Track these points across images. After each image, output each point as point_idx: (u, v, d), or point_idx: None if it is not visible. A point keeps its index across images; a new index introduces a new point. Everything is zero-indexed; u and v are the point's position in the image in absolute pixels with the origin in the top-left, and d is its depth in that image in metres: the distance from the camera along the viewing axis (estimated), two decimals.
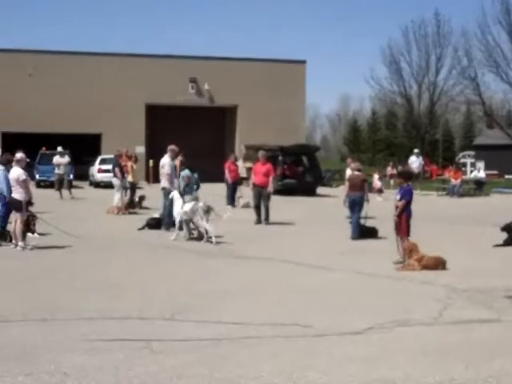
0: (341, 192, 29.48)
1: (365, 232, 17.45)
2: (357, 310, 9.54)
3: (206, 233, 16.42)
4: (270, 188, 20.63)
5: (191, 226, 17.15)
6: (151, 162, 41.36)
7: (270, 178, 20.71)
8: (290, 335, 8.16)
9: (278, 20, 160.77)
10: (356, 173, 18.30)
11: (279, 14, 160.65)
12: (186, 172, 18.56)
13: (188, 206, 16.82)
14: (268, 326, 8.53)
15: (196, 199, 17.66)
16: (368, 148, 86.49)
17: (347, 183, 18.43)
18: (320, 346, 7.74)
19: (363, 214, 17.75)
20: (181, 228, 17.12)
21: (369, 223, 17.97)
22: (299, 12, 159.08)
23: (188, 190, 18.19)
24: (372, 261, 13.86)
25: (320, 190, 35.85)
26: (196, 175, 19.00)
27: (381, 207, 21.84)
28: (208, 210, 16.60)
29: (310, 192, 34.08)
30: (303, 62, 51.08)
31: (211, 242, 16.04)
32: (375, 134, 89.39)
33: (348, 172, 20.83)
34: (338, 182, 42.13)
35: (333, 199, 30.90)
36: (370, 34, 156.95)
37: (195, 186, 18.80)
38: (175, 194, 17.55)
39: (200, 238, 16.63)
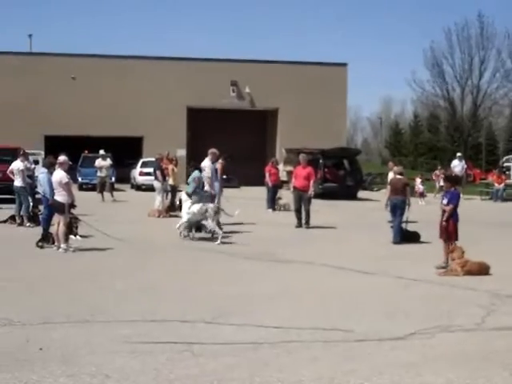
0: (382, 196, 29.29)
1: (406, 236, 17.31)
2: (398, 315, 9.45)
3: (213, 233, 17.03)
4: (311, 191, 20.56)
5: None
6: None
7: (311, 182, 20.64)
8: (331, 340, 8.11)
9: (320, 22, 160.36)
10: (398, 176, 18.15)
11: (321, 16, 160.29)
12: (196, 173, 18.72)
13: (196, 207, 17.15)
14: (308, 330, 8.50)
15: (206, 200, 17.84)
16: (410, 151, 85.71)
17: (389, 187, 18.29)
18: (361, 352, 7.68)
19: (405, 218, 17.60)
20: (190, 229, 17.62)
21: (411, 227, 17.82)
22: (341, 14, 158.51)
23: (198, 192, 18.30)
24: (414, 265, 13.74)
25: (361, 193, 35.67)
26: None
27: (423, 211, 21.66)
28: (218, 211, 17.19)
29: (350, 196, 33.93)
30: (345, 64, 50.89)
31: (218, 243, 16.52)
32: (417, 137, 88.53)
33: (390, 176, 20.65)
34: (380, 185, 41.88)
35: (374, 203, 30.74)
36: (412, 37, 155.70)
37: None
38: (183, 196, 17.94)
39: (213, 238, 17.09)
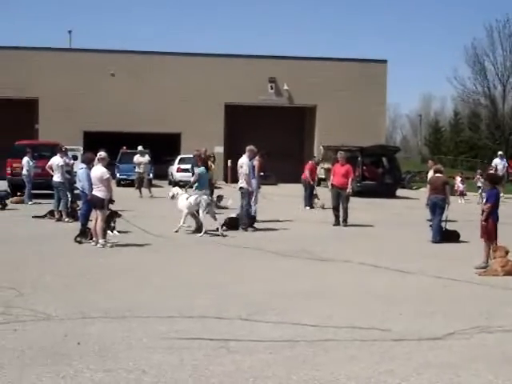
0: (421, 194, 29.07)
1: (446, 235, 17.12)
2: (436, 314, 9.35)
3: (200, 226, 17.62)
4: (349, 189, 20.45)
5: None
6: (229, 162, 41.62)
7: (350, 179, 20.52)
8: (368, 339, 8.05)
9: (359, 19, 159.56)
10: (437, 175, 17.97)
11: (360, 12, 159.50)
12: (201, 169, 19.32)
13: (192, 199, 17.81)
14: (345, 329, 8.44)
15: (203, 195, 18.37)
16: (450, 150, 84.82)
17: (429, 185, 18.12)
18: (398, 351, 7.61)
19: (444, 217, 17.42)
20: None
21: (450, 226, 17.63)
22: (381, 10, 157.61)
23: (198, 187, 18.83)
24: (453, 265, 13.58)
25: (400, 191, 35.40)
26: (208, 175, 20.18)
27: (463, 210, 21.42)
28: (210, 203, 17.93)
29: (389, 194, 33.68)
30: (384, 61, 50.47)
31: (201, 235, 17.24)
32: (457, 135, 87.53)
33: (430, 174, 20.45)
34: (419, 183, 41.53)
35: (413, 201, 30.50)
36: (453, 34, 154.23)
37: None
38: (178, 190, 18.95)
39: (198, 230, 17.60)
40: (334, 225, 20.24)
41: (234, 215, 19.39)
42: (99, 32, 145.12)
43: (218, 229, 17.58)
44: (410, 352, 7.58)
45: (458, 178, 33.35)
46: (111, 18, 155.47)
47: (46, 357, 7.09)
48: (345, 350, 7.58)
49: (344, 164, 20.87)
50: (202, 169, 19.35)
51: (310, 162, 28.19)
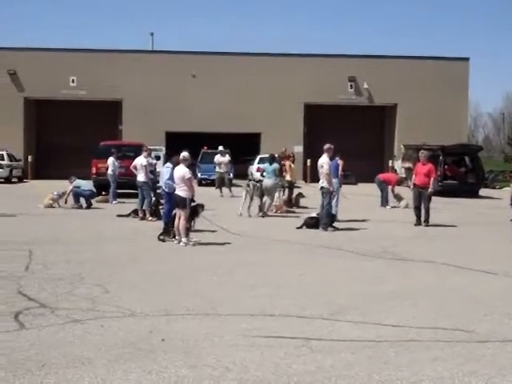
0: (504, 194, 28.45)
1: None
2: None
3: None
4: (431, 189, 20.18)
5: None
6: (309, 162, 41.60)
7: (432, 179, 20.25)
8: (452, 340, 7.95)
9: (440, 16, 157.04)
10: None
11: (441, 10, 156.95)
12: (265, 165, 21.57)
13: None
14: (428, 329, 8.36)
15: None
16: None
17: None
18: (483, 353, 7.49)
19: None
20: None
21: None
22: (461, 8, 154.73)
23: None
24: None
25: (483, 191, 34.73)
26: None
27: None
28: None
29: (472, 193, 33.10)
30: (466, 59, 49.55)
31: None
32: None
33: None
34: (502, 183, 40.65)
35: (496, 201, 29.90)
36: None
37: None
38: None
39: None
40: (416, 225, 20.00)
41: (314, 214, 19.39)
42: (180, 34, 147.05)
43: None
44: (495, 354, 7.46)
45: None
46: (191, 20, 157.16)
47: (132, 353, 7.25)
48: (428, 351, 7.51)
49: (426, 163, 20.61)
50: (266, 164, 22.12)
51: (390, 172, 27.88)
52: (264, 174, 23.25)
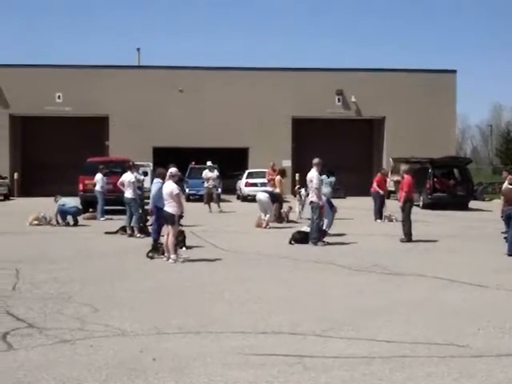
0: (494, 206, 28.50)
1: None
2: None
3: None
4: (401, 204, 19.87)
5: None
6: (297, 176, 41.58)
7: (402, 192, 19.96)
8: (446, 355, 7.85)
9: (427, 29, 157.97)
10: (510, 186, 17.57)
11: (428, 23, 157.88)
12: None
13: None
14: (422, 345, 8.26)
15: None
16: None
17: (502, 197, 17.71)
18: (478, 368, 7.40)
19: None
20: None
21: None
22: (448, 20, 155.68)
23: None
24: None
25: (472, 203, 34.75)
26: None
27: None
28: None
29: (461, 206, 33.11)
30: (453, 71, 49.77)
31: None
32: None
33: (505, 185, 19.98)
34: (491, 195, 40.72)
35: (486, 213, 29.93)
36: None
37: None
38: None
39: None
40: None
41: (303, 229, 19.31)
42: (167, 49, 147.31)
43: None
44: (490, 369, 7.37)
45: None
46: (178, 36, 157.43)
47: (123, 373, 7.11)
48: (422, 367, 7.41)
49: (404, 177, 20.38)
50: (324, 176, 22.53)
51: (378, 174, 27.94)
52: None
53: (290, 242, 18.65)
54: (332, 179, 24.04)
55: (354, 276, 13.59)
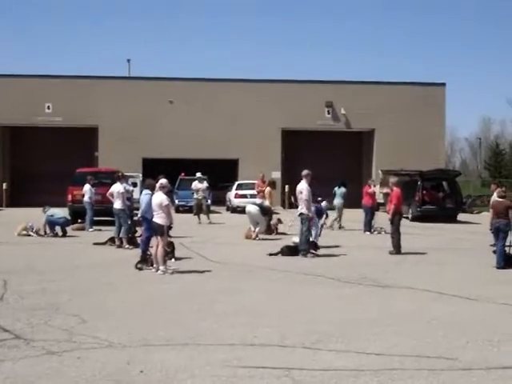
0: (482, 218, 28.56)
1: (510, 261, 16.73)
2: (504, 343, 9.06)
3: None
4: (390, 216, 19.92)
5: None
6: (287, 188, 41.57)
7: (391, 204, 20.02)
8: (435, 368, 7.83)
9: (416, 42, 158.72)
10: (499, 199, 17.63)
11: (417, 36, 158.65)
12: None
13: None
14: (411, 357, 8.24)
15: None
16: (511, 173, 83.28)
17: (491, 210, 17.76)
18: (467, 381, 7.39)
19: (508, 241, 17.04)
20: None
21: None
22: (437, 33, 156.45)
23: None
24: None
25: (461, 216, 34.85)
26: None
27: None
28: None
29: (450, 218, 33.20)
30: (443, 84, 49.94)
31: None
32: None
33: (493, 198, 20.05)
34: (480, 208, 40.83)
35: (474, 226, 29.99)
36: (511, 56, 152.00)
37: None
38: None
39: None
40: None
41: (293, 239, 19.32)
42: (157, 60, 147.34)
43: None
44: (479, 381, 7.37)
45: None
46: (168, 47, 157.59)
47: None
48: (411, 380, 7.38)
49: (393, 190, 20.44)
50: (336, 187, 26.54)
51: (367, 185, 27.83)
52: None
53: (276, 254, 18.55)
54: (342, 190, 25.19)
55: (343, 288, 13.56)
